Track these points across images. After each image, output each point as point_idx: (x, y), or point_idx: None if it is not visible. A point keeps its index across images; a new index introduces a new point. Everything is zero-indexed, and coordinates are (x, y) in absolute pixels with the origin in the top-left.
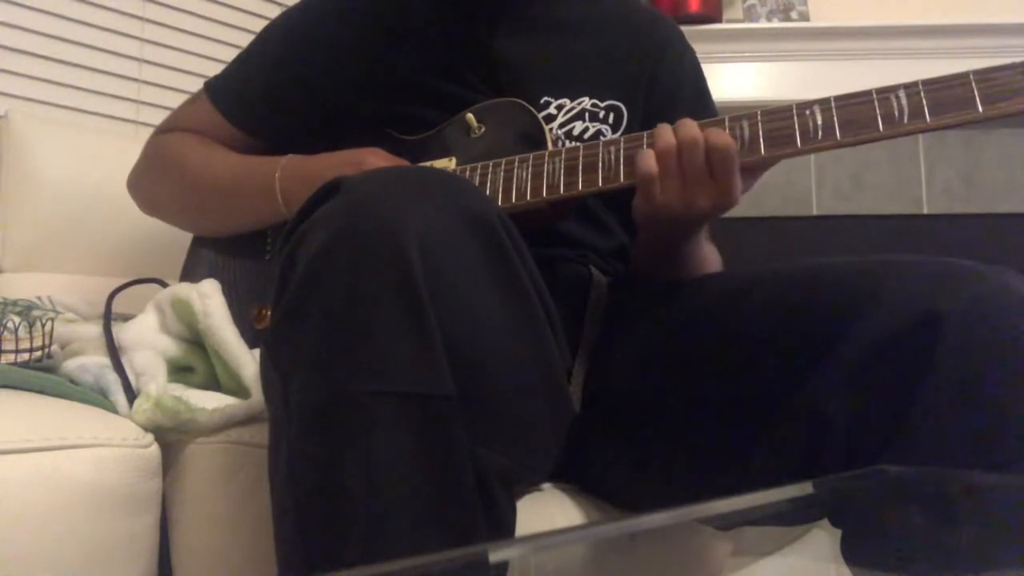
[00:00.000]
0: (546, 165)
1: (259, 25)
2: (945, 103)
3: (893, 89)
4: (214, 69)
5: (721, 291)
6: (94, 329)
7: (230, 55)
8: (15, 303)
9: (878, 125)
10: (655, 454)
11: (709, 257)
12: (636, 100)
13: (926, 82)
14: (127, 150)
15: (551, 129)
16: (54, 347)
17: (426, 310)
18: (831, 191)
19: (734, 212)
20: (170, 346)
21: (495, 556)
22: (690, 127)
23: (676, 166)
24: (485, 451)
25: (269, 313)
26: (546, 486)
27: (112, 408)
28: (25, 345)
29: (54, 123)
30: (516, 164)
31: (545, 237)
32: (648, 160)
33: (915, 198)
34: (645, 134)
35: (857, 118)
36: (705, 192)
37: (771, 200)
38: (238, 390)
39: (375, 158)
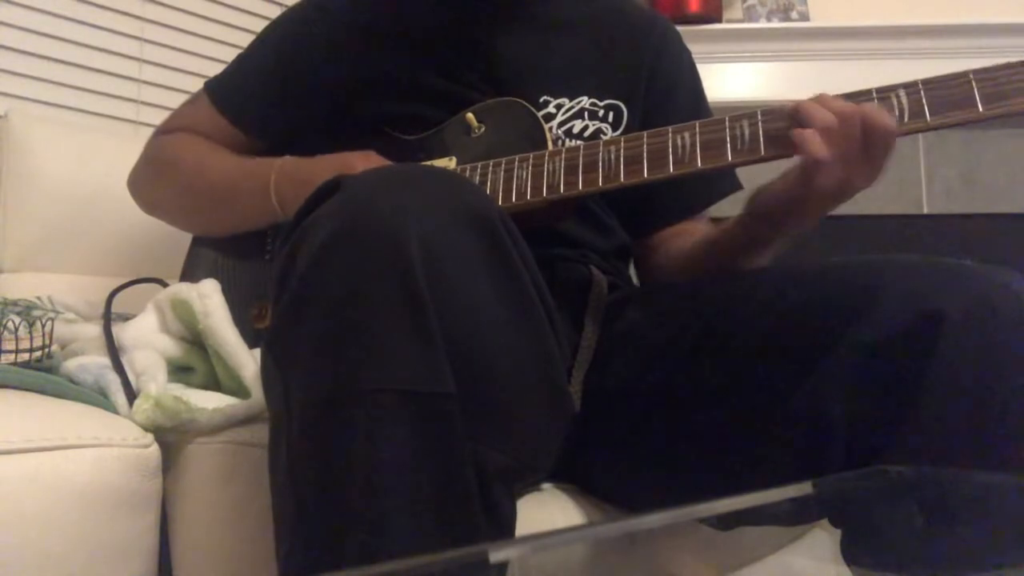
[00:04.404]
0: (546, 165)
1: (259, 25)
2: (945, 103)
3: (893, 89)
4: (214, 69)
5: (721, 291)
6: (94, 329)
7: (230, 55)
8: (15, 303)
9: None
10: (655, 454)
11: None
12: (635, 99)
13: (926, 82)
14: (127, 150)
15: (551, 128)
16: (54, 347)
17: (427, 308)
18: None
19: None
20: (170, 346)
21: (495, 556)
22: (842, 103)
23: (840, 146)
24: (485, 449)
25: (269, 312)
26: (546, 486)
27: (112, 408)
28: (25, 345)
29: (54, 123)
30: (516, 164)
31: (545, 237)
32: (818, 142)
33: (915, 198)
34: (653, 130)
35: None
36: (859, 171)
37: None
38: (238, 390)
39: (364, 161)
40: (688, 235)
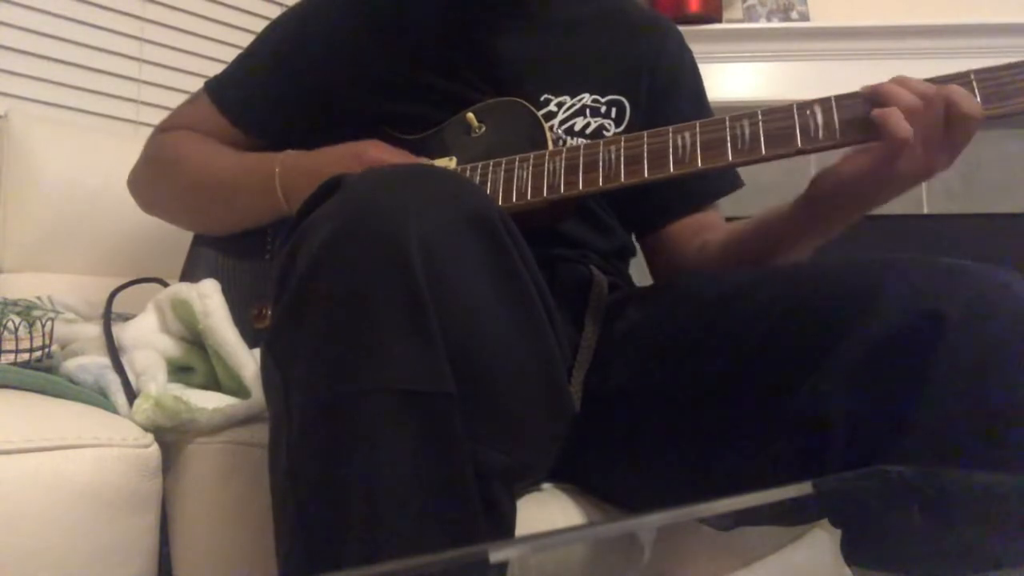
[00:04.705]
0: (547, 164)
1: (259, 25)
2: None
3: None
4: (214, 69)
5: (721, 291)
6: (94, 329)
7: (230, 55)
8: (15, 303)
9: None
10: (655, 454)
11: None
12: (638, 94)
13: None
14: (127, 150)
15: (552, 127)
16: (54, 347)
17: (427, 308)
18: None
19: (734, 212)
20: (170, 346)
21: (495, 556)
22: (925, 84)
23: (923, 128)
24: (485, 449)
25: (269, 312)
26: (546, 486)
27: (112, 408)
28: (25, 345)
29: (54, 123)
30: (516, 163)
31: (545, 237)
32: (903, 122)
33: (915, 198)
34: (653, 130)
35: (858, 117)
36: (938, 154)
37: (771, 200)
38: (238, 390)
39: (376, 150)
40: (710, 230)
